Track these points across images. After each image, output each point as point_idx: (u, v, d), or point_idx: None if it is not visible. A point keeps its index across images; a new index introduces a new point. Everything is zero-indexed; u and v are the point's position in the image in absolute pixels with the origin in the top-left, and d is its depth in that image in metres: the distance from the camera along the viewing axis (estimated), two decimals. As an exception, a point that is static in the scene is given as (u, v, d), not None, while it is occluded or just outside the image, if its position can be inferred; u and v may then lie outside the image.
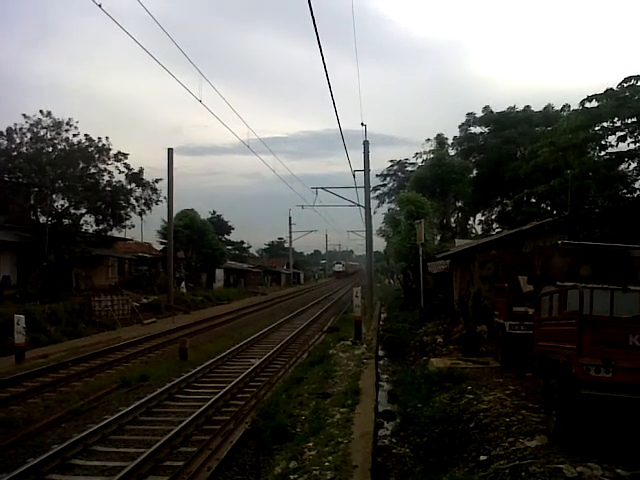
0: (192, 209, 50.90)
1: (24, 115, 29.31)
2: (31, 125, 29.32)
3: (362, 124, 29.04)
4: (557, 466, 6.44)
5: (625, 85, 16.29)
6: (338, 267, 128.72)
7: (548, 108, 36.05)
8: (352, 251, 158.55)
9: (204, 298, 43.04)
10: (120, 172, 32.95)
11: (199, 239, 49.14)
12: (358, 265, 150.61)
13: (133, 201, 34.09)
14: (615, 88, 16.59)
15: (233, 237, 73.39)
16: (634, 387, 6.66)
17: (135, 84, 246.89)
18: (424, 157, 44.98)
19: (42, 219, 29.98)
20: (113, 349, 20.00)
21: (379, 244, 58.99)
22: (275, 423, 9.88)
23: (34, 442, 9.87)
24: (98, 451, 9.36)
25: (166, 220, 38.87)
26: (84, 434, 9.68)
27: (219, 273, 56.94)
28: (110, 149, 31.79)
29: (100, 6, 10.59)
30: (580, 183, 18.33)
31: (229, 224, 69.39)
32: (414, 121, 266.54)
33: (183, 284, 43.08)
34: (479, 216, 43.12)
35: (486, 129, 38.58)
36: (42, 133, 29.61)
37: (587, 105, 17.35)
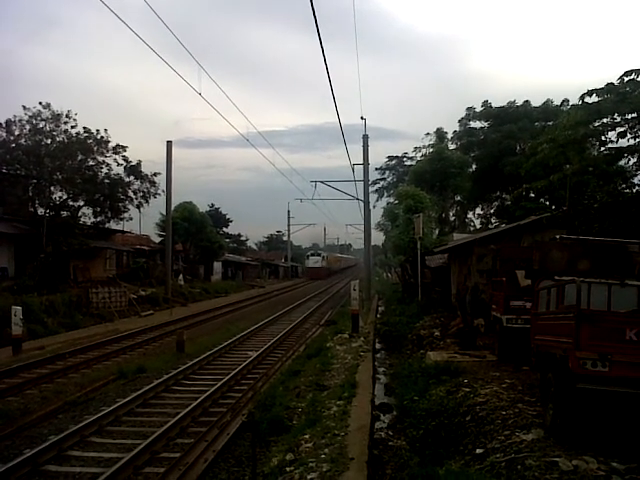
0: (190, 202, 50.86)
1: (24, 107, 29.17)
2: (30, 117, 29.17)
3: (362, 118, 29.02)
4: (553, 459, 6.47)
5: (625, 79, 16.24)
6: (314, 261, 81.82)
7: (547, 103, 36.07)
8: (350, 245, 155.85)
9: (202, 291, 43.07)
10: (119, 165, 32.87)
11: (197, 232, 49.09)
12: (354, 259, 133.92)
13: (131, 194, 33.95)
14: (615, 83, 16.54)
15: (231, 230, 73.53)
16: (630, 381, 6.68)
17: (134, 77, 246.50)
18: (423, 151, 45.07)
19: (40, 211, 29.87)
20: (110, 341, 19.99)
21: (377, 238, 59.06)
22: (272, 415, 9.89)
23: (31, 433, 9.87)
24: (95, 442, 9.35)
25: (164, 213, 38.81)
26: (81, 425, 9.68)
27: (217, 266, 56.94)
28: (109, 141, 31.69)
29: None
30: (579, 178, 18.34)
31: (227, 217, 69.44)
32: (414, 115, 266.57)
33: (181, 277, 43.06)
34: (478, 210, 43.26)
35: (486, 124, 38.60)
36: (41, 125, 29.44)
37: (587, 100, 17.32)
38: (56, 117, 29.50)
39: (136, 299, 31.30)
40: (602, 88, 16.80)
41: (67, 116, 29.81)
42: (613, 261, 10.74)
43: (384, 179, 54.48)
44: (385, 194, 53.13)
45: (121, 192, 33.14)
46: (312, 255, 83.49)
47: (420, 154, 46.09)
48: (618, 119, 16.77)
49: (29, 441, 9.35)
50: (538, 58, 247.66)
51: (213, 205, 67.60)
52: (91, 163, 31.32)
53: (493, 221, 39.22)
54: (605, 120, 17.12)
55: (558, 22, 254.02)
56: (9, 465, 7.80)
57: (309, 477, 6.87)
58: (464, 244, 23.05)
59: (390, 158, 54.24)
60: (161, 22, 12.63)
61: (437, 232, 37.97)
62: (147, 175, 34.64)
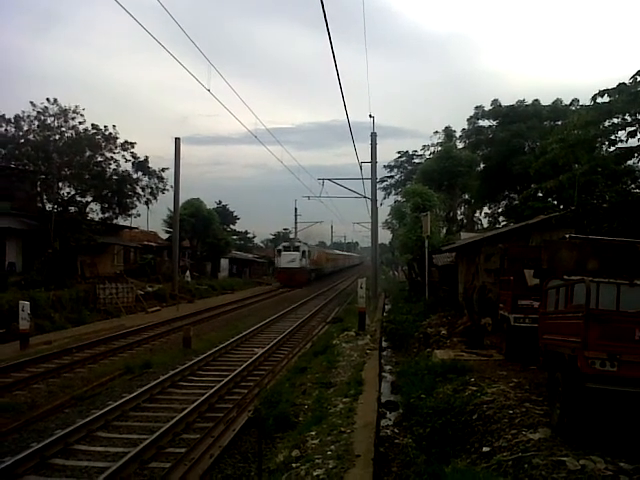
0: (198, 199, 50.88)
1: (32, 103, 29.24)
2: (38, 113, 29.21)
3: (370, 116, 28.92)
4: (560, 459, 6.43)
5: (638, 79, 16.09)
6: (288, 259, 53.08)
7: (557, 102, 35.79)
8: (357, 243, 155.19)
9: (209, 287, 43.14)
10: (127, 161, 32.87)
11: (204, 229, 49.16)
12: (357, 257, 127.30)
13: (139, 190, 33.95)
14: (627, 82, 16.41)
15: (239, 227, 73.55)
16: (639, 381, 6.63)
17: (142, 73, 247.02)
18: (432, 149, 44.94)
19: (48, 206, 29.94)
20: (117, 336, 20.08)
21: (385, 236, 58.90)
22: (278, 412, 9.90)
23: (38, 427, 9.95)
24: (101, 437, 9.41)
25: (172, 209, 38.89)
26: (87, 420, 9.75)
27: (224, 263, 57.01)
28: (117, 138, 31.70)
29: (108, -8, 10.52)
30: (589, 178, 18.21)
31: (234, 214, 69.45)
32: (422, 113, 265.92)
33: (188, 273, 43.15)
34: (485, 209, 43.02)
35: (494, 122, 38.35)
36: (49, 121, 29.52)
37: (599, 100, 17.17)
38: (64, 113, 29.54)
39: (143, 295, 31.43)
40: (614, 88, 16.64)
41: (74, 111, 29.84)
42: (622, 261, 10.64)
43: (392, 177, 54.34)
44: (393, 192, 52.98)
45: (129, 188, 33.19)
46: (285, 250, 54.17)
47: (428, 152, 46.02)
48: (629, 119, 16.63)
49: (36, 435, 9.42)
50: (547, 57, 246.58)
51: (220, 202, 67.55)
52: (99, 159, 31.35)
53: (501, 220, 39.04)
54: (615, 120, 16.98)
55: (567, 21, 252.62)
56: (17, 458, 7.86)
57: (315, 474, 6.86)
58: (472, 243, 22.96)
59: (400, 154, 54.09)
60: (171, 19, 12.61)
61: (445, 231, 37.82)
62: (155, 171, 34.68)
